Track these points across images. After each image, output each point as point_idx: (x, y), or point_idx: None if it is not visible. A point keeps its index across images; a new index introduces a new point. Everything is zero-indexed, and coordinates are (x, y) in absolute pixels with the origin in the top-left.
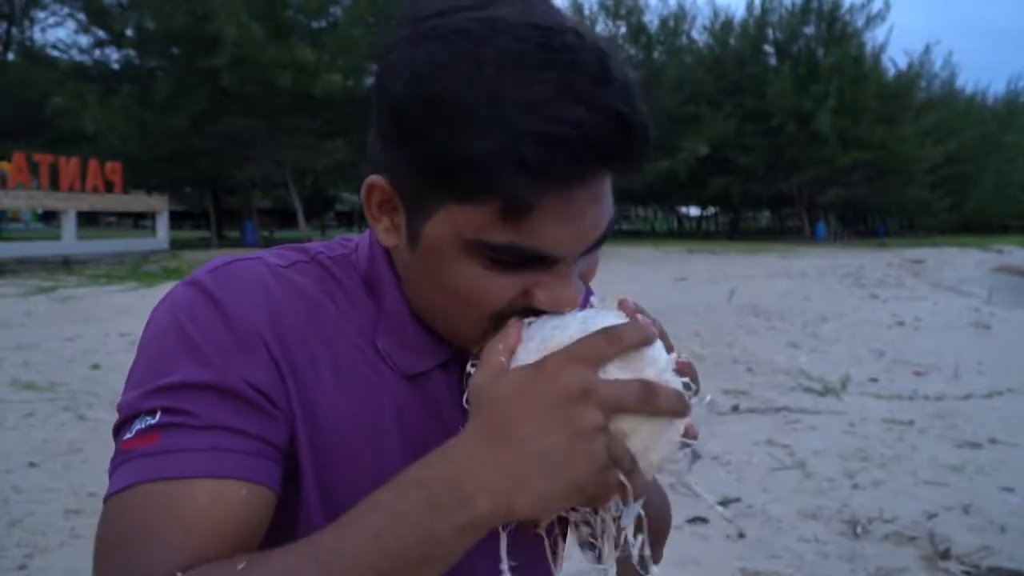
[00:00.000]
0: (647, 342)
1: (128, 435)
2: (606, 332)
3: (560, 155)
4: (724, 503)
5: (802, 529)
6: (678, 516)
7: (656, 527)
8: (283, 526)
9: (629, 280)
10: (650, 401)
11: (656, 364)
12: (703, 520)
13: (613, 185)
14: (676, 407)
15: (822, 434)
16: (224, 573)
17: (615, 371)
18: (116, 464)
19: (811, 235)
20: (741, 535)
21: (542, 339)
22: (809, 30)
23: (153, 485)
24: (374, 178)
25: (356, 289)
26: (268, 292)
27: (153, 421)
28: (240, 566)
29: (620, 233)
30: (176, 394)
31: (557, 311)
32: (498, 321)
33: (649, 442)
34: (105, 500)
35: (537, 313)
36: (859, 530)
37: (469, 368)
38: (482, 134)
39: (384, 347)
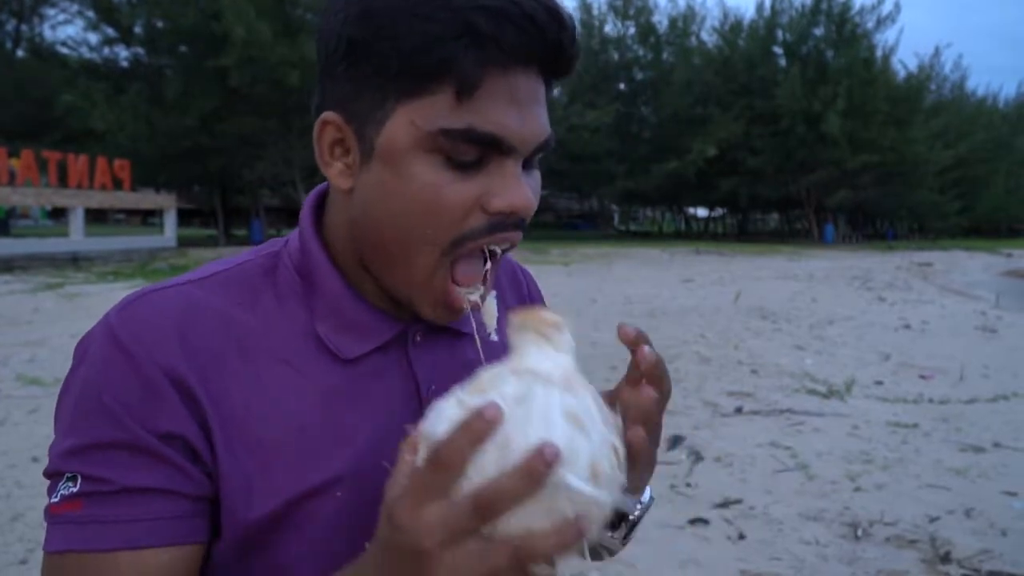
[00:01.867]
0: (478, 441)
1: (55, 498)
2: (430, 459)
3: (505, 27)
4: (725, 504)
5: (803, 531)
6: (678, 517)
7: None
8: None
9: (636, 281)
10: (486, 510)
11: (513, 444)
12: (704, 521)
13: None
14: (522, 489)
15: (825, 436)
16: None
17: (488, 462)
18: (49, 522)
19: (819, 237)
20: (742, 536)
21: (424, 436)
22: (819, 31)
23: (80, 557)
24: (326, 114)
25: (287, 285)
26: (178, 324)
27: (75, 489)
28: None
29: (628, 234)
30: (90, 456)
31: (514, 216)
32: (454, 248)
33: (526, 523)
34: (44, 551)
35: (493, 230)
36: (860, 533)
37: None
38: (430, 19)
39: (324, 332)
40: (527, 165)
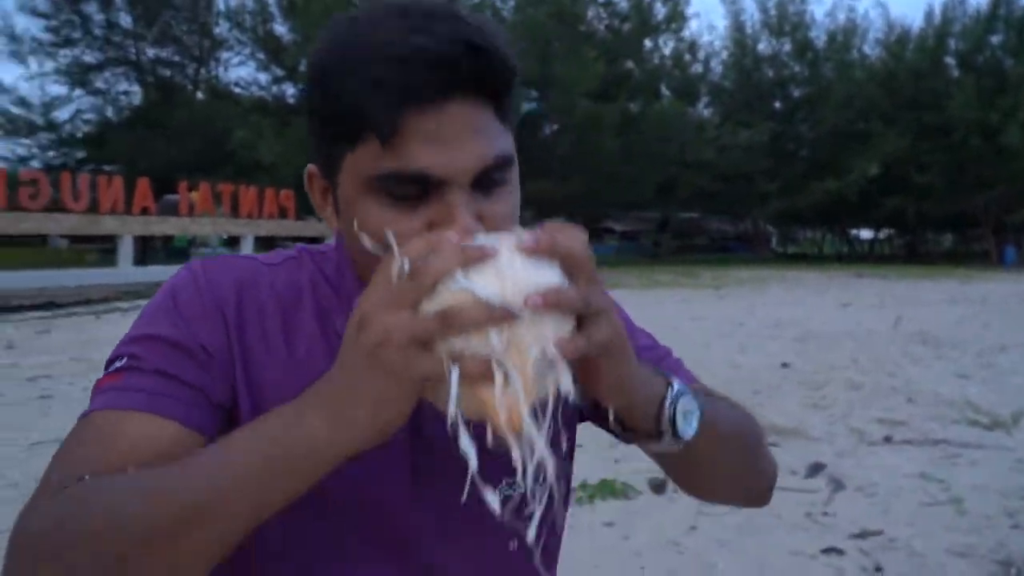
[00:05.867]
0: (453, 265)
1: (104, 374)
2: (411, 272)
3: (411, 72)
4: (864, 535)
5: (949, 567)
6: (810, 546)
7: (729, 437)
8: None
9: (789, 305)
10: (451, 324)
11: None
12: (838, 551)
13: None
14: (481, 317)
15: (984, 470)
16: (115, 477)
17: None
18: (91, 396)
19: (998, 259)
20: (878, 569)
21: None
22: (996, 39)
23: (102, 413)
24: (310, 167)
25: (331, 280)
26: (243, 280)
27: (120, 364)
28: (130, 472)
29: (785, 256)
30: (141, 343)
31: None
32: None
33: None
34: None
35: None
36: (1014, 572)
37: None
38: (348, 74)
39: (342, 330)
40: (487, 187)
